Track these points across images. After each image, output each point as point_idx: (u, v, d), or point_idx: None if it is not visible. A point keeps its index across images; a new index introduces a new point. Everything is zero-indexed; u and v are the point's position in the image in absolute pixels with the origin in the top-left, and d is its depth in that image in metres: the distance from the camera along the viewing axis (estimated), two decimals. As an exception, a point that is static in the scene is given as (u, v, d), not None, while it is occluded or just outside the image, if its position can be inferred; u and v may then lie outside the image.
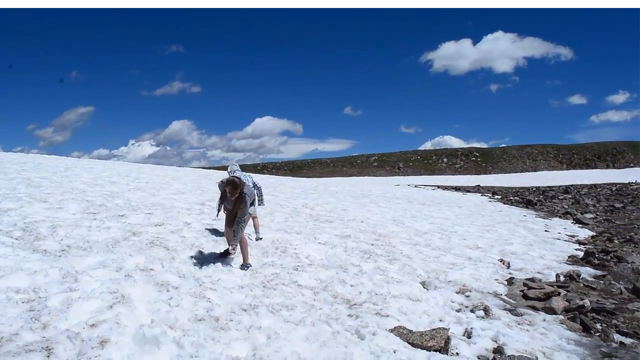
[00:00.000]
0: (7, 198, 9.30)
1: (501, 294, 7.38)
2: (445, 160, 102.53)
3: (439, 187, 42.71)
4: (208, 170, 39.48)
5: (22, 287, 4.92)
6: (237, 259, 7.01)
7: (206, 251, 7.30)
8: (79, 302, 4.71)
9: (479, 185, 45.37)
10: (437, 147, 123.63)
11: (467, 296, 7.02)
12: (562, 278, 8.53)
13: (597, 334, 5.88)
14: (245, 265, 6.83)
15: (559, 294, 7.27)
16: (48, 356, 3.71)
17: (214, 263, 6.75)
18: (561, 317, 6.42)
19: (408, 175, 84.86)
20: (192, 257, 6.88)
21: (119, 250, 6.63)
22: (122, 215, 8.99)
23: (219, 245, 7.77)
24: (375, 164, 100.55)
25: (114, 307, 4.69)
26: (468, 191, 37.42)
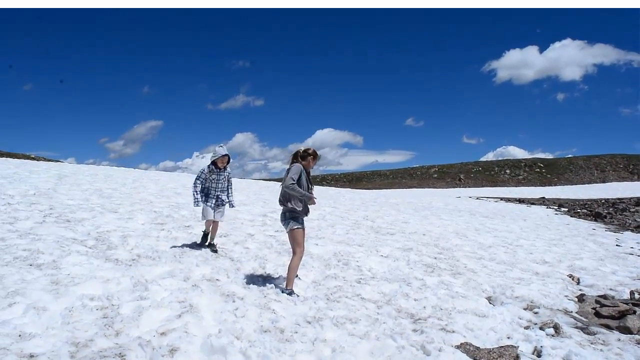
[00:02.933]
0: (81, 208, 9.73)
1: (571, 312, 7.10)
2: (507, 171, 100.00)
3: (501, 199, 41.68)
4: (269, 182, 40.02)
5: (97, 294, 5.12)
6: (301, 271, 7.03)
7: (269, 262, 7.39)
8: (149, 311, 4.86)
9: (543, 198, 43.94)
10: (500, 158, 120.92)
11: (536, 313, 6.79)
12: (637, 295, 8.12)
13: (678, 356, 5.56)
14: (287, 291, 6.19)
15: (634, 312, 6.92)
16: (121, 363, 3.83)
17: (277, 275, 6.82)
18: (637, 337, 6.09)
19: (469, 187, 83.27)
20: (255, 268, 6.98)
21: (185, 260, 6.80)
22: (188, 226, 9.24)
23: (282, 257, 7.85)
24: (435, 175, 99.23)
25: (182, 316, 4.81)
26: (532, 203, 36.33)
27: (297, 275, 6.62)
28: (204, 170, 7.52)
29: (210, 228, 7.80)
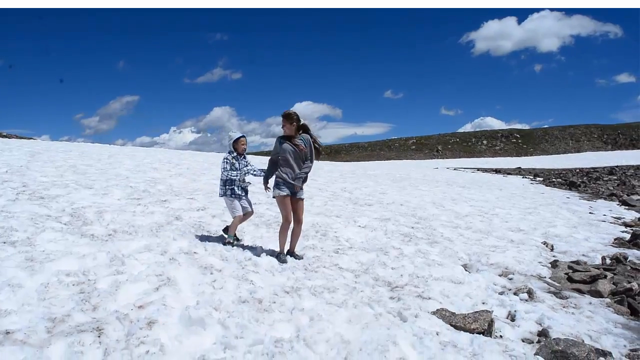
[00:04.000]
0: (55, 185, 9.59)
1: (545, 277, 7.25)
2: (484, 142, 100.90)
3: (478, 169, 42.10)
4: (247, 155, 39.84)
5: (73, 270, 5.07)
6: (276, 242, 7.06)
7: (247, 235, 7.39)
8: (126, 285, 4.83)
9: (520, 168, 44.49)
10: (477, 129, 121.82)
11: (510, 279, 6.93)
12: (608, 261, 8.32)
13: (646, 317, 5.73)
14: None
15: (605, 276, 7.10)
16: (99, 336, 3.82)
17: (255, 246, 6.84)
18: (608, 300, 6.27)
19: (447, 158, 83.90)
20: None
21: (163, 234, 6.77)
22: (164, 201, 9.18)
23: (260, 229, 7.87)
24: (414, 147, 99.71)
25: (160, 290, 4.80)
26: (509, 173, 36.78)
27: (272, 246, 6.76)
28: (227, 158, 6.80)
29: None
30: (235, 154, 6.78)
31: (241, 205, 6.80)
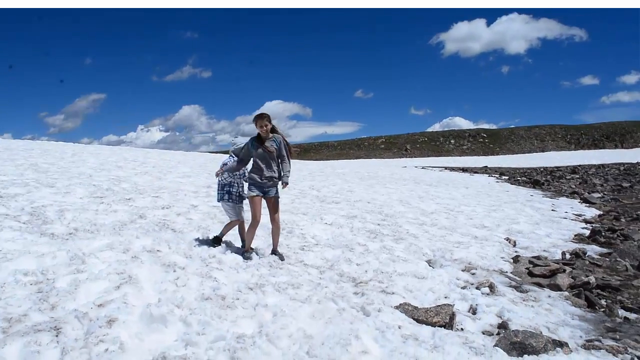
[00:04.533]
0: (14, 184, 9.38)
1: (507, 272, 7.39)
2: (452, 141, 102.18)
3: (446, 168, 42.63)
4: (215, 154, 39.53)
5: (31, 269, 4.96)
6: (239, 239, 7.05)
7: (213, 233, 7.33)
8: (86, 283, 4.75)
9: (486, 166, 45.21)
10: (446, 129, 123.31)
11: (473, 274, 7.03)
12: (568, 256, 8.53)
13: (602, 309, 5.88)
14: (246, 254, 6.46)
15: (564, 271, 7.27)
16: (57, 335, 3.75)
17: (220, 244, 6.79)
18: (566, 293, 6.42)
19: (415, 157, 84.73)
20: (198, 238, 6.92)
21: (126, 232, 6.67)
22: (129, 199, 9.05)
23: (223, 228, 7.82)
24: (383, 146, 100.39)
25: (121, 288, 4.73)
26: (475, 172, 37.32)
27: (237, 244, 6.82)
28: (227, 163, 6.67)
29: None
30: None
31: (238, 209, 6.78)
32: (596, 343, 4.71)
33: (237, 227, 6.90)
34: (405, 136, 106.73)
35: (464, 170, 39.83)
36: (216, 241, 6.74)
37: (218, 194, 6.78)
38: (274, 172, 6.38)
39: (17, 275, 4.77)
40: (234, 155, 6.64)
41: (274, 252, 6.67)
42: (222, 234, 6.85)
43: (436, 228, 10.19)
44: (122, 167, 14.99)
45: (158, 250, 6.03)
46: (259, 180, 6.31)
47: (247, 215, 6.66)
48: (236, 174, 6.67)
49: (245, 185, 6.65)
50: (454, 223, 11.05)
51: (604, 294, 6.51)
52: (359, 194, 14.79)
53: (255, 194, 6.29)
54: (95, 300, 4.42)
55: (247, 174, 6.58)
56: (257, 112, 6.38)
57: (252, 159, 6.37)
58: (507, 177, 31.46)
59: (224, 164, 6.62)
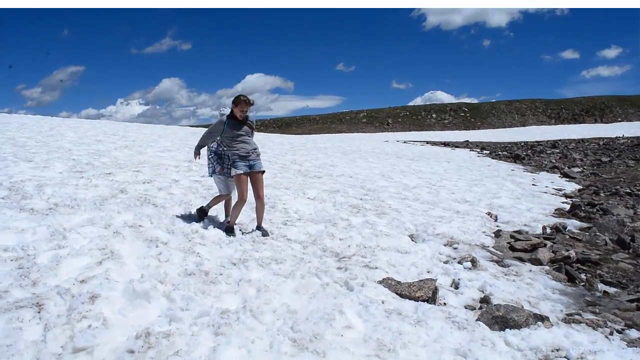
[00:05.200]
0: (-9, 158, 9.20)
1: (488, 246, 7.47)
2: (434, 115, 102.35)
3: (427, 142, 42.76)
4: (196, 128, 39.16)
5: (10, 245, 4.89)
6: (222, 214, 7.03)
7: (194, 207, 7.29)
8: (68, 259, 4.70)
9: (467, 141, 45.42)
10: (428, 103, 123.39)
11: (455, 248, 7.10)
12: (548, 230, 8.64)
13: (582, 283, 6.00)
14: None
15: (545, 245, 7.38)
16: (39, 312, 3.72)
17: (206, 216, 6.75)
18: (547, 267, 6.52)
19: (397, 131, 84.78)
20: (180, 213, 6.88)
21: (107, 207, 6.59)
22: (109, 174, 8.94)
23: (207, 201, 7.76)
24: (364, 120, 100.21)
25: (103, 263, 4.69)
26: (457, 147, 37.51)
27: (219, 219, 6.84)
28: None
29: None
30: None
31: (229, 184, 6.75)
32: (576, 317, 4.80)
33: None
34: (387, 110, 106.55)
35: (445, 144, 40.00)
36: (202, 212, 6.72)
37: (209, 167, 6.74)
38: (254, 144, 6.43)
39: (-4, 251, 4.70)
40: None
41: (259, 228, 6.66)
42: (209, 206, 6.82)
43: (418, 203, 10.24)
44: (101, 141, 14.79)
45: (140, 226, 5.98)
46: (244, 153, 6.28)
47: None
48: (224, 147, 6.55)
49: None
50: (436, 197, 11.12)
51: (584, 268, 6.63)
52: (341, 169, 14.80)
53: (242, 172, 6.25)
54: (77, 276, 4.37)
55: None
56: (241, 93, 6.31)
57: (222, 137, 6.32)
58: (488, 152, 31.68)
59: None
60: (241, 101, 6.20)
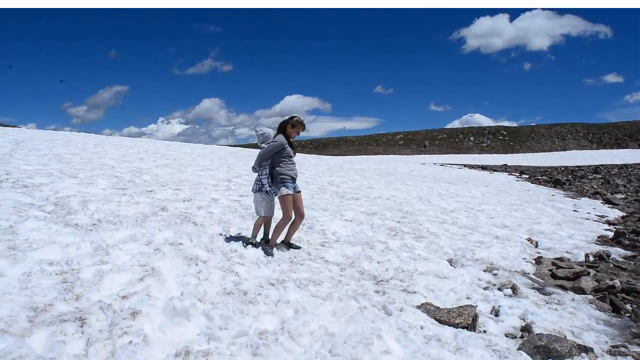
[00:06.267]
0: (39, 174, 9.48)
1: (529, 273, 7.31)
2: (472, 138, 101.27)
3: (465, 166, 42.30)
4: (235, 147, 39.65)
5: (55, 259, 5.01)
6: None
7: (233, 226, 7.36)
8: (110, 275, 4.79)
9: (506, 165, 44.77)
10: (465, 126, 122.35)
11: (495, 274, 6.97)
12: (591, 258, 8.41)
13: (627, 314, 5.80)
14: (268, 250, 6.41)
15: (588, 273, 7.17)
16: (82, 326, 3.79)
17: (241, 238, 6.80)
18: (590, 297, 6.33)
19: (434, 153, 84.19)
20: (219, 232, 6.95)
21: (148, 224, 6.71)
22: (150, 191, 9.11)
23: (246, 221, 7.82)
24: (401, 142, 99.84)
25: (144, 280, 4.76)
26: (495, 170, 37.00)
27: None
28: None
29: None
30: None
31: (271, 204, 6.68)
32: (622, 349, 4.64)
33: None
34: (424, 132, 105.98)
35: (483, 168, 39.52)
36: (254, 245, 6.46)
37: (256, 184, 6.49)
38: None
39: (42, 264, 4.83)
40: (265, 143, 6.50)
41: (289, 243, 6.78)
42: (254, 236, 6.58)
43: (457, 227, 10.11)
44: (143, 159, 15.10)
45: (180, 243, 6.07)
46: (295, 175, 6.48)
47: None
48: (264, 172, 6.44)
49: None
50: (474, 222, 10.96)
51: (629, 298, 6.41)
52: (379, 191, 14.74)
53: (291, 192, 6.36)
54: (119, 292, 4.46)
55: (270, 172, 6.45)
56: (279, 114, 6.48)
57: (276, 157, 6.39)
58: (527, 176, 31.13)
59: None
60: (299, 123, 6.45)
